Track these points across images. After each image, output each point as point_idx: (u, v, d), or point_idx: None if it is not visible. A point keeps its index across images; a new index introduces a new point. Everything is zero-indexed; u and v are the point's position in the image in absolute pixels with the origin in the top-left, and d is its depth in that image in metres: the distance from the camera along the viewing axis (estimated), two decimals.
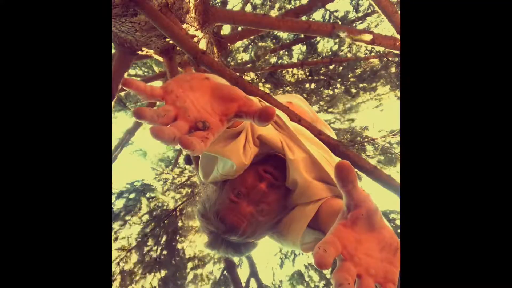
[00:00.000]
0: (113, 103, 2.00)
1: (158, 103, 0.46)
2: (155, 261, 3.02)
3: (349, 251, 0.32)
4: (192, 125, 0.35)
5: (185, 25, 1.38)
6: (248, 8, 3.29)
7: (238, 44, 3.31)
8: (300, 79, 3.65)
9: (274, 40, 3.37)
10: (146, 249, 3.06)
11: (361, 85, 3.54)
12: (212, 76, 0.40)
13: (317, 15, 3.42)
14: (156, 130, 0.32)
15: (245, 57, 3.54)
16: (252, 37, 3.04)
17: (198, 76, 0.38)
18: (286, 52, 3.57)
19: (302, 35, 3.09)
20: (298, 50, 3.60)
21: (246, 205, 0.69)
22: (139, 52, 1.53)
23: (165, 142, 0.32)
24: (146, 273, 2.98)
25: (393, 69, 3.28)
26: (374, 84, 3.56)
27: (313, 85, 3.65)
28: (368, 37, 1.38)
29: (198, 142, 0.33)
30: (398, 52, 1.84)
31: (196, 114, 0.36)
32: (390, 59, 2.86)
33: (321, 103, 3.77)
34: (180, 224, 3.24)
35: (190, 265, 3.30)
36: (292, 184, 0.72)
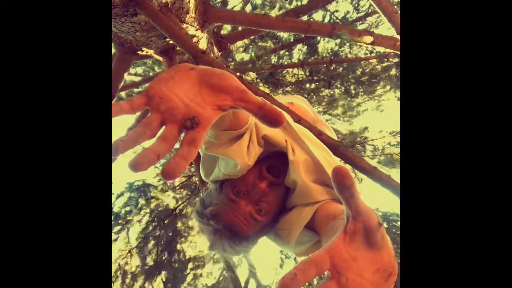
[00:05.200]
0: (113, 103, 1.99)
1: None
2: (156, 262, 3.02)
3: (338, 270, 0.30)
4: (181, 125, 0.33)
5: (185, 25, 1.38)
6: (248, 8, 3.29)
7: (238, 44, 3.31)
8: (300, 79, 3.65)
9: (274, 40, 3.37)
10: (146, 249, 3.06)
11: (361, 86, 3.54)
12: (200, 66, 0.37)
13: (317, 15, 3.42)
14: (132, 164, 0.30)
15: (245, 57, 3.54)
16: (252, 37, 3.04)
17: (182, 69, 0.36)
18: (287, 52, 3.57)
19: (302, 35, 3.09)
20: (299, 50, 3.60)
21: (246, 204, 0.69)
22: (139, 52, 1.53)
23: (147, 167, 0.31)
24: (147, 274, 2.97)
25: (393, 71, 3.28)
26: (374, 86, 3.56)
27: (313, 85, 3.65)
28: (368, 39, 1.38)
29: (176, 167, 0.31)
30: (398, 53, 1.84)
31: (184, 111, 0.33)
32: (390, 59, 2.86)
33: (322, 103, 3.77)
34: (180, 224, 3.24)
35: (190, 265, 3.30)
36: (291, 184, 0.72)
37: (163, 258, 3.06)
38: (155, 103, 0.34)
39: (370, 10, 3.13)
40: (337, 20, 3.10)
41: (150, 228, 3.13)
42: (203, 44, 1.65)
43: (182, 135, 0.35)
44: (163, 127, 0.34)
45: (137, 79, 3.41)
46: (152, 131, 0.33)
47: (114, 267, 2.89)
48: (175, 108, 0.33)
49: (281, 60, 3.64)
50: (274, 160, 0.74)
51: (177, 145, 0.34)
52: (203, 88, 0.35)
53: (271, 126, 0.34)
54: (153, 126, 0.33)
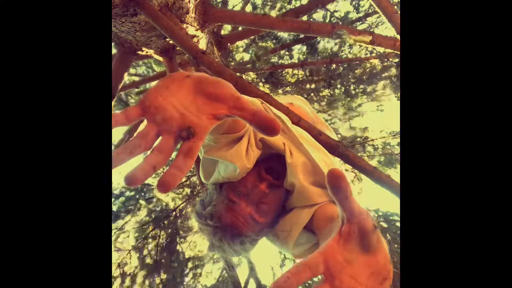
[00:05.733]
0: (113, 103, 2.00)
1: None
2: (155, 262, 3.02)
3: (332, 272, 0.30)
4: (177, 136, 0.33)
5: (185, 25, 1.38)
6: (248, 8, 3.30)
7: (238, 44, 3.32)
8: (300, 79, 3.66)
9: (274, 40, 3.37)
10: (145, 250, 3.06)
11: (361, 86, 3.55)
12: (196, 73, 0.37)
13: (317, 15, 3.42)
14: (128, 178, 0.30)
15: (245, 57, 3.55)
16: (252, 37, 3.04)
17: (178, 77, 0.36)
18: (287, 52, 3.58)
19: (302, 35, 3.09)
20: (298, 50, 3.60)
21: (246, 205, 0.69)
22: (139, 52, 1.53)
23: (143, 181, 0.31)
24: (146, 274, 2.97)
25: (393, 71, 3.29)
26: (374, 86, 3.57)
27: (313, 85, 3.65)
28: (367, 38, 1.38)
29: (171, 179, 0.31)
30: (398, 53, 1.84)
31: (179, 121, 0.33)
32: (390, 59, 2.86)
33: (322, 103, 3.78)
34: (179, 224, 3.24)
35: (189, 265, 3.30)
36: (290, 186, 0.72)
37: (163, 258, 3.06)
38: (151, 113, 0.33)
39: (370, 10, 3.13)
40: (337, 20, 3.10)
41: (150, 228, 3.13)
42: (203, 44, 1.65)
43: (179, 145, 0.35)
44: (159, 137, 0.34)
45: (137, 79, 3.42)
46: (148, 143, 0.33)
47: (113, 267, 2.90)
48: (171, 118, 0.33)
49: (281, 60, 3.64)
50: (273, 162, 0.74)
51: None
52: (198, 96, 0.35)
53: (266, 134, 0.33)
54: (149, 137, 0.33)
